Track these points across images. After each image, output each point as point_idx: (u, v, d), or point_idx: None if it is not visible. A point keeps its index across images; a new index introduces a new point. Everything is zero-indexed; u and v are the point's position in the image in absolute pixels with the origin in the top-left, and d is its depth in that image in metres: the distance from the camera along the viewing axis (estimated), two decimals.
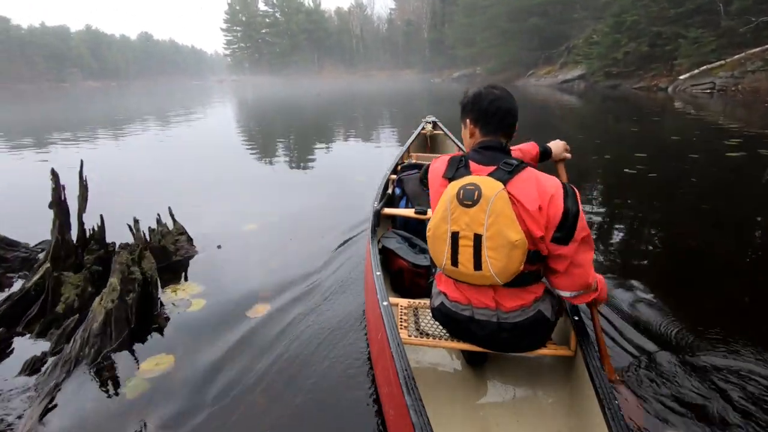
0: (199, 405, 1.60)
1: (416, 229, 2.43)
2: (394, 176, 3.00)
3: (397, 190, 2.81)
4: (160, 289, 2.34)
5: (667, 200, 4.15)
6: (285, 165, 6.35)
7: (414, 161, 3.53)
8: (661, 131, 8.60)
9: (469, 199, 1.21)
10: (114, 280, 2.07)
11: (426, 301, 1.60)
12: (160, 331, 2.06)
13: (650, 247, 3.19)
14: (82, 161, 2.36)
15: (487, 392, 1.49)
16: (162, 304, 2.27)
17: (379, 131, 9.81)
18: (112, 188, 4.78)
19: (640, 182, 4.66)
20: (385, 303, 1.51)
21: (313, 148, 7.86)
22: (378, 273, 1.73)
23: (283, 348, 1.91)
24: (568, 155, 1.72)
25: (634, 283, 2.45)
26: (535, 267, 1.27)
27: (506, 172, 1.22)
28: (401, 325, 1.54)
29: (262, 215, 3.75)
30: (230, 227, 3.42)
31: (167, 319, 2.14)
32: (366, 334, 1.92)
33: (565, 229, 1.19)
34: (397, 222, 2.70)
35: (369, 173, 4.86)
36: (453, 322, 1.38)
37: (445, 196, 1.27)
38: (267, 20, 73.75)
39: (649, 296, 2.31)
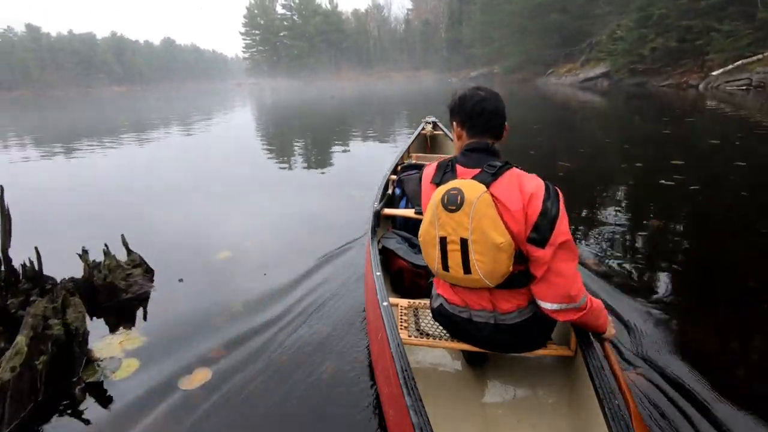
0: None
1: (416, 229, 2.65)
2: (394, 177, 2.97)
3: (397, 191, 2.78)
4: (90, 343, 1.94)
5: (715, 221, 3.54)
6: (280, 176, 5.96)
7: (414, 161, 3.51)
8: (697, 134, 7.85)
9: (452, 203, 1.20)
10: (21, 339, 1.67)
11: (426, 302, 1.60)
12: (74, 405, 1.64)
13: (700, 285, 2.61)
14: (1, 187, 1.98)
15: (487, 392, 1.48)
16: (89, 363, 1.87)
17: (388, 136, 9.34)
18: (96, 201, 4.52)
19: (679, 196, 4.05)
20: (385, 303, 1.50)
21: (314, 157, 7.48)
22: (378, 273, 1.72)
23: (282, 349, 1.89)
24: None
25: (672, 323, 2.01)
26: (525, 267, 1.24)
27: (489, 174, 1.21)
28: (401, 325, 1.54)
29: (240, 238, 3.35)
30: (201, 254, 3.02)
31: (86, 389, 1.73)
32: (366, 335, 1.92)
33: (541, 231, 1.16)
34: (397, 222, 2.67)
35: (368, 187, 4.41)
36: (452, 324, 1.39)
37: (431, 202, 1.27)
38: (285, 23, 74.41)
39: (691, 341, 1.85)
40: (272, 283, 2.50)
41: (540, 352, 1.39)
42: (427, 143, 4.66)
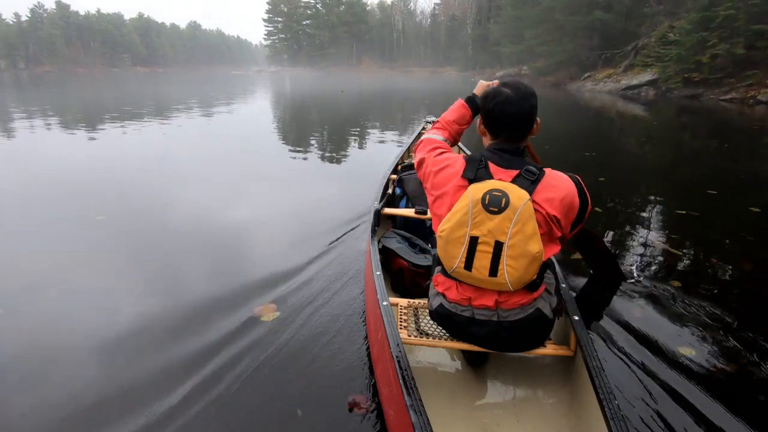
0: None
1: (417, 229, 2.41)
2: (394, 176, 3.02)
3: (398, 190, 2.79)
4: None
5: None
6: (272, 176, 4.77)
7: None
8: None
9: (495, 205, 1.19)
10: None
11: (426, 301, 1.55)
12: None
13: None
14: None
15: (487, 392, 1.49)
16: None
17: (390, 140, 7.29)
18: None
19: None
20: (385, 303, 1.51)
21: (302, 162, 5.57)
22: (378, 273, 1.72)
23: (283, 349, 1.84)
24: None
25: None
26: (540, 274, 1.28)
27: (530, 182, 1.21)
28: (401, 325, 1.54)
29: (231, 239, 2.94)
30: None
31: None
32: (366, 334, 1.91)
33: (582, 217, 1.30)
34: (397, 222, 2.68)
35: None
36: (453, 324, 1.38)
37: (465, 199, 1.23)
38: (308, 11, 72.78)
39: None
40: (270, 283, 2.36)
41: (540, 352, 1.39)
42: None
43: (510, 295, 1.27)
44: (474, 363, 1.55)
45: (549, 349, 1.39)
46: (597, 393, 1.16)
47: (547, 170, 1.24)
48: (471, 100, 1.49)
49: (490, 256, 1.19)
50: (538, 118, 1.28)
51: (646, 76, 20.00)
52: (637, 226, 3.48)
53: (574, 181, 1.26)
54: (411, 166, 3.00)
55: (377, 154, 6.53)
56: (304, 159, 6.22)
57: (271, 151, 6.89)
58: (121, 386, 1.65)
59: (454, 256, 1.25)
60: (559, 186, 1.22)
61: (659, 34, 20.26)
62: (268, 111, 14.17)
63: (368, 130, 9.14)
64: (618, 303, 2.14)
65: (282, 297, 2.22)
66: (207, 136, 8.34)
